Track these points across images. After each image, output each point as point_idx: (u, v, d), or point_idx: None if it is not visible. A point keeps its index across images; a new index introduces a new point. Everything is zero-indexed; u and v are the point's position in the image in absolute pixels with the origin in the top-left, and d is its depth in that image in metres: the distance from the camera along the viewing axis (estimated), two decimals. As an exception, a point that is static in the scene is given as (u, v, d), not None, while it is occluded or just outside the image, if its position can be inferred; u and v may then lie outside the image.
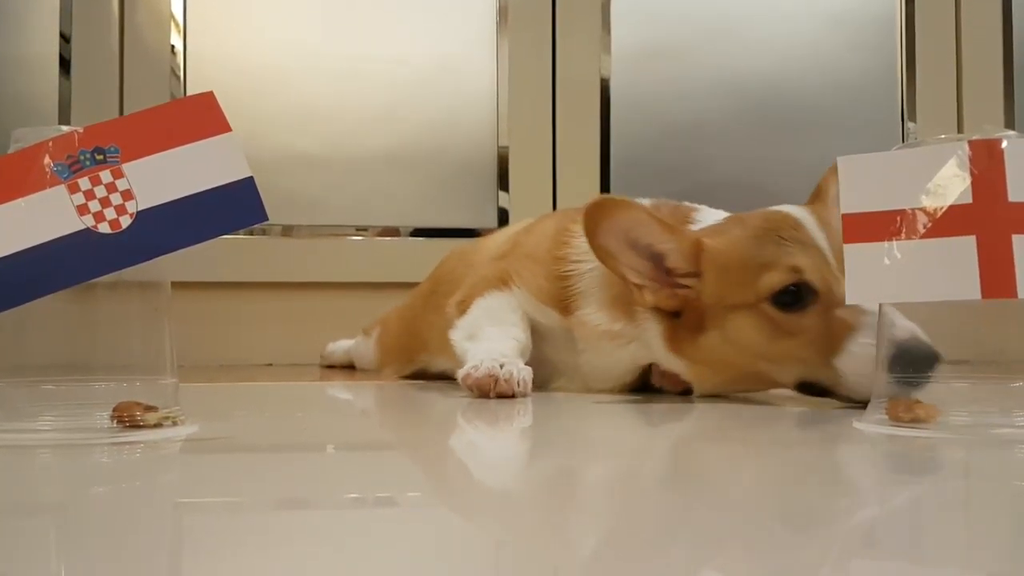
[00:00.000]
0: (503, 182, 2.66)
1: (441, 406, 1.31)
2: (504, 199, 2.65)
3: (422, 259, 2.06)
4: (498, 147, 2.66)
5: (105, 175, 0.85)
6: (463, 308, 1.53)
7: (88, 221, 0.84)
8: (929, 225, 0.88)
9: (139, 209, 0.85)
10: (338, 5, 2.66)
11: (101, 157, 0.85)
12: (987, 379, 0.91)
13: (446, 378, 1.58)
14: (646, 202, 1.48)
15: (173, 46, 2.57)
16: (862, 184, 0.93)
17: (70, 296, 0.85)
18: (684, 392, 1.35)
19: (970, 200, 0.88)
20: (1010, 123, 2.74)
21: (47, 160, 0.84)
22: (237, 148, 0.88)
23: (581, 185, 2.60)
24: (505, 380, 1.28)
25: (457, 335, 1.48)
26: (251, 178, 0.88)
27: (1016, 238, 0.86)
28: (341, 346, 2.36)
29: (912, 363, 0.98)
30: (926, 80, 2.77)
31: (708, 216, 1.40)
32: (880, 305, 1.06)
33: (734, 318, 1.23)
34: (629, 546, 0.51)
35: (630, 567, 0.46)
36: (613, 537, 0.53)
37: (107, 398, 0.85)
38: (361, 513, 0.61)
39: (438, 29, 2.68)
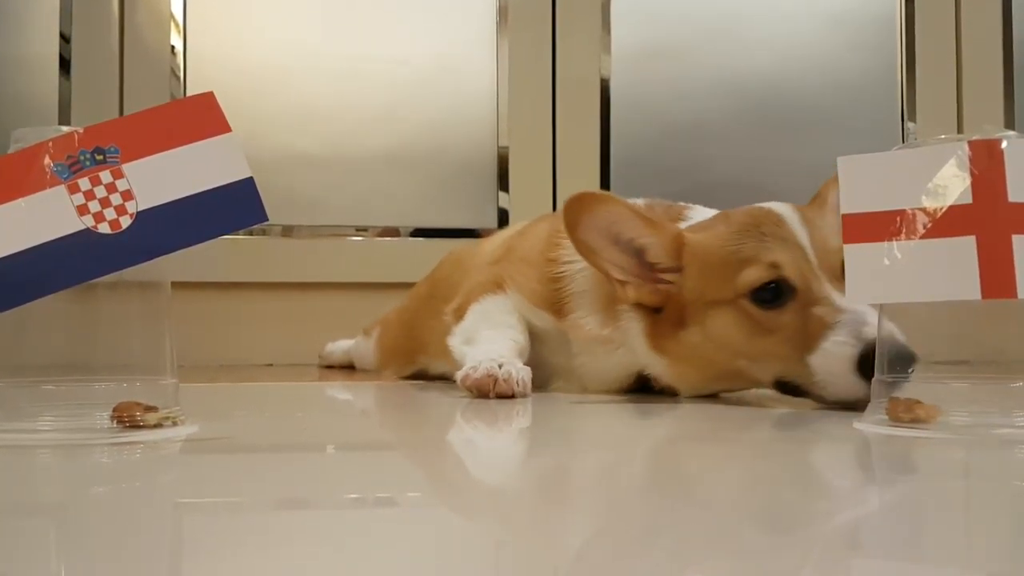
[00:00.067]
0: (503, 182, 2.66)
1: (441, 406, 1.31)
2: (504, 199, 2.65)
3: (422, 259, 2.06)
4: (498, 147, 2.66)
5: (105, 175, 0.85)
6: (460, 314, 1.53)
7: (88, 221, 0.84)
8: (929, 225, 0.88)
9: (139, 209, 0.85)
10: (338, 5, 2.66)
11: (101, 157, 0.85)
12: (987, 379, 0.91)
13: (446, 379, 1.58)
14: (640, 201, 1.48)
15: (173, 46, 2.57)
16: (862, 184, 0.93)
17: (70, 296, 0.85)
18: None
19: (970, 200, 0.88)
20: (1010, 123, 2.74)
21: (47, 160, 0.84)
22: (237, 148, 0.88)
23: (581, 185, 2.60)
24: (504, 380, 1.28)
25: (455, 340, 1.48)
26: (251, 178, 0.88)
27: (1016, 238, 0.86)
28: (340, 346, 2.36)
29: (888, 364, 0.98)
30: (926, 80, 2.77)
31: (701, 215, 1.40)
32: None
33: (714, 314, 1.23)
34: (631, 546, 0.51)
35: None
36: (613, 537, 0.53)
37: (107, 398, 0.85)
38: (361, 513, 0.61)
39: (438, 29, 2.68)
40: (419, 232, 2.64)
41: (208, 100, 0.89)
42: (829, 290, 1.17)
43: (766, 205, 1.29)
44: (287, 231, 2.60)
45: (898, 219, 0.90)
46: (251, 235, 2.58)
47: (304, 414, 1.25)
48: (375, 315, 2.16)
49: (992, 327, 0.96)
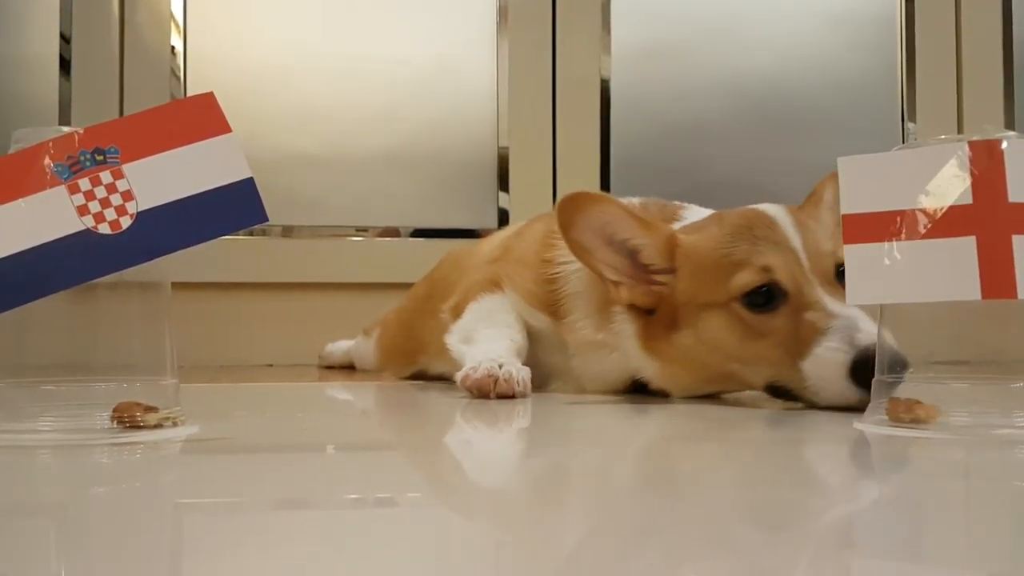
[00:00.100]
0: (503, 182, 2.66)
1: (441, 406, 1.31)
2: (504, 199, 2.65)
3: (422, 259, 2.06)
4: (498, 147, 2.66)
5: (105, 176, 0.85)
6: (457, 312, 1.52)
7: (88, 222, 0.84)
8: (929, 226, 0.89)
9: (139, 210, 0.85)
10: (338, 5, 2.66)
11: (101, 158, 0.85)
12: (987, 379, 0.91)
13: (445, 379, 1.58)
14: (635, 201, 1.48)
15: (173, 46, 2.57)
16: (862, 184, 0.93)
17: (70, 296, 0.85)
18: None
19: (970, 201, 0.88)
20: (1010, 123, 2.74)
21: (47, 161, 0.84)
22: (237, 149, 0.88)
23: (581, 185, 2.60)
24: (505, 380, 1.28)
25: (453, 339, 1.47)
26: (251, 179, 0.88)
27: (1016, 238, 0.86)
28: (340, 347, 2.36)
29: (874, 369, 0.98)
30: (926, 80, 2.77)
31: (695, 214, 1.40)
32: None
33: (706, 317, 1.23)
34: (633, 546, 0.51)
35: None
36: (614, 536, 0.53)
37: (107, 398, 0.85)
38: (361, 513, 0.61)
39: (438, 29, 2.68)
40: (419, 232, 2.64)
41: (208, 100, 0.89)
42: (821, 294, 1.16)
43: (759, 207, 1.29)
44: (287, 231, 2.60)
45: (898, 219, 0.90)
46: (251, 235, 2.58)
47: (304, 414, 1.25)
48: (375, 315, 2.16)
49: (992, 327, 0.96)
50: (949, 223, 0.88)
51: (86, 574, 0.46)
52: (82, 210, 0.84)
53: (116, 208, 0.85)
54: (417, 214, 2.65)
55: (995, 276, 0.85)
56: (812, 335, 1.14)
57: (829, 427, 1.02)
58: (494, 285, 1.50)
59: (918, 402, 0.90)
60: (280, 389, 1.70)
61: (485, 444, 1.01)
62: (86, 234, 0.84)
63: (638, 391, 1.36)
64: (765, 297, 1.19)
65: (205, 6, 2.60)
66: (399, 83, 2.65)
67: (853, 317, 1.13)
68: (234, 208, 0.87)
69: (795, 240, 1.21)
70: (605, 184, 2.65)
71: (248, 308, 2.58)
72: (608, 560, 0.47)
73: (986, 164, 0.88)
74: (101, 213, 0.84)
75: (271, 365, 2.50)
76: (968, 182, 0.88)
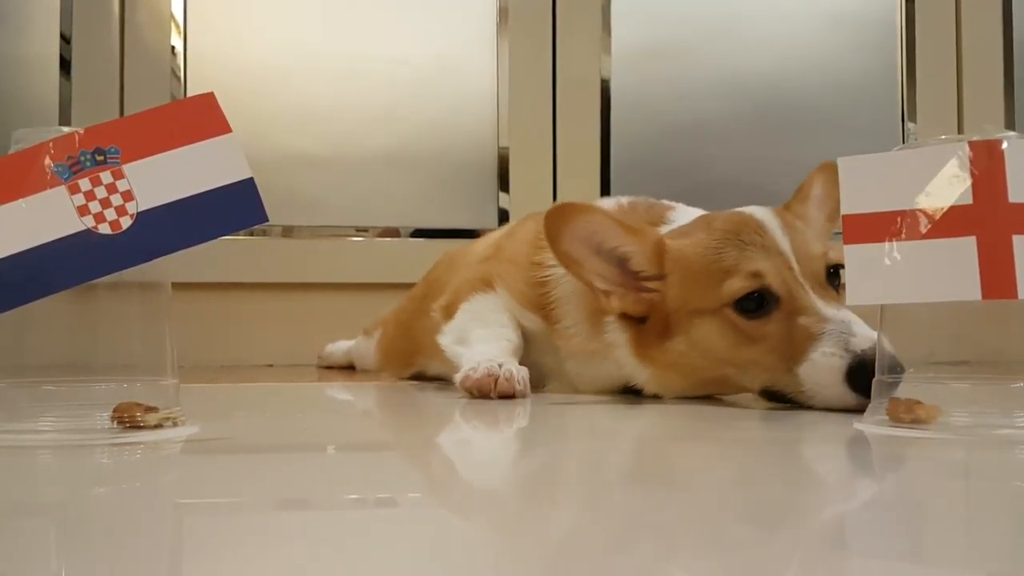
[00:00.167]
0: (503, 183, 2.66)
1: (440, 406, 1.31)
2: (504, 199, 2.65)
3: (422, 260, 2.06)
4: (498, 147, 2.66)
5: (105, 176, 0.85)
6: (449, 312, 1.52)
7: (88, 222, 0.84)
8: (929, 226, 0.89)
9: (139, 210, 0.85)
10: (338, 5, 2.66)
11: (101, 158, 0.85)
12: (987, 380, 0.91)
13: (445, 379, 1.58)
14: (624, 200, 1.48)
15: (173, 47, 2.57)
16: (862, 185, 0.93)
17: (70, 297, 0.85)
18: None
19: (970, 201, 0.88)
20: (1010, 123, 2.74)
21: (47, 161, 0.84)
22: (237, 149, 0.88)
23: (581, 185, 2.60)
24: (506, 379, 1.28)
25: (446, 340, 1.47)
26: (251, 179, 0.88)
27: (1016, 239, 0.86)
28: (340, 347, 2.36)
29: (870, 375, 0.98)
30: (926, 80, 2.77)
31: (684, 215, 1.39)
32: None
33: (699, 324, 1.23)
34: (635, 545, 0.51)
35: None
36: (616, 537, 0.53)
37: (108, 399, 0.85)
38: (361, 513, 0.61)
39: (438, 29, 2.68)
40: (419, 232, 2.64)
41: (208, 100, 0.89)
42: (813, 299, 1.16)
43: (746, 210, 1.28)
44: (287, 231, 2.60)
45: (898, 219, 0.90)
46: (251, 235, 2.58)
47: (304, 415, 1.25)
48: (375, 315, 2.16)
49: (992, 327, 0.96)
50: (949, 223, 0.88)
51: (86, 574, 0.46)
52: (82, 210, 0.84)
53: (116, 208, 0.85)
54: (417, 214, 2.65)
55: (995, 276, 0.85)
56: (806, 340, 1.14)
57: (829, 427, 1.02)
58: (486, 285, 1.50)
59: (918, 402, 0.90)
60: (280, 389, 1.70)
61: (485, 444, 1.01)
62: (86, 234, 0.84)
63: (631, 392, 1.36)
64: (757, 303, 1.18)
65: (205, 6, 2.60)
66: (399, 83, 2.65)
67: (847, 321, 1.13)
68: (234, 208, 0.87)
69: (784, 244, 1.21)
70: (605, 184, 2.65)
71: (248, 308, 2.58)
72: (610, 560, 0.47)
73: (986, 164, 0.88)
74: (101, 213, 0.84)
75: (271, 365, 2.50)
76: (968, 182, 0.88)
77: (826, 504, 0.65)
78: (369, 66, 2.64)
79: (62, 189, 0.84)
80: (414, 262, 2.18)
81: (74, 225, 0.83)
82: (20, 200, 0.83)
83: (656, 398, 1.32)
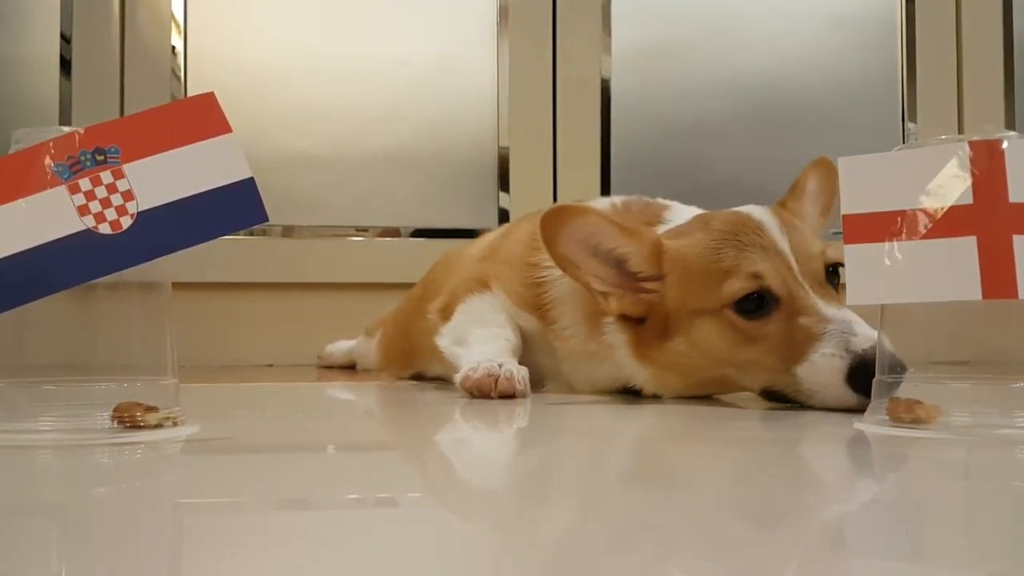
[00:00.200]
0: (503, 182, 2.66)
1: (441, 406, 1.31)
2: (504, 199, 2.65)
3: (422, 259, 2.06)
4: (498, 147, 2.66)
5: (106, 176, 0.85)
6: (446, 314, 1.52)
7: (89, 222, 0.84)
8: (930, 225, 0.89)
9: (140, 210, 0.85)
10: (338, 5, 2.66)
11: (102, 158, 0.85)
12: (988, 380, 0.91)
13: (445, 379, 1.58)
14: (617, 200, 1.48)
15: (174, 47, 2.57)
16: (863, 185, 0.93)
17: (71, 296, 0.85)
18: None
19: (971, 201, 0.88)
20: (1010, 123, 2.74)
21: (48, 161, 0.84)
22: (237, 149, 0.88)
23: (581, 185, 2.60)
24: (506, 379, 1.28)
25: (444, 341, 1.47)
26: (251, 179, 0.88)
27: (1017, 238, 0.86)
28: (341, 347, 2.36)
29: (871, 375, 0.98)
30: (926, 80, 2.77)
31: (679, 214, 1.39)
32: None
33: (699, 324, 1.22)
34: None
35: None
36: (619, 538, 0.53)
37: (108, 398, 0.85)
38: (361, 513, 0.61)
39: (438, 29, 2.68)
40: (419, 232, 2.64)
41: (209, 100, 0.89)
42: (814, 298, 1.16)
43: (744, 209, 1.28)
44: (287, 231, 2.60)
45: (899, 219, 0.90)
46: (251, 235, 2.58)
47: (304, 415, 1.25)
48: (375, 315, 2.16)
49: (993, 327, 0.96)
50: (950, 223, 0.88)
51: (86, 574, 0.46)
52: (82, 210, 0.84)
53: (116, 208, 0.85)
54: (417, 214, 2.65)
55: (996, 276, 0.85)
56: (807, 340, 1.13)
57: (829, 427, 1.02)
58: (482, 285, 1.50)
59: (919, 402, 0.90)
60: (280, 389, 1.70)
61: (485, 443, 1.01)
62: (87, 234, 0.84)
63: (628, 391, 1.35)
64: (757, 303, 1.18)
65: (205, 6, 2.60)
66: (399, 83, 2.65)
67: (847, 321, 1.13)
68: (234, 208, 0.87)
69: (783, 243, 1.20)
70: (606, 184, 2.65)
71: (248, 308, 2.58)
72: (611, 560, 0.47)
73: (987, 164, 0.88)
74: (102, 213, 0.84)
75: (271, 365, 2.50)
76: (969, 182, 0.88)
77: (826, 504, 0.65)
78: (369, 66, 2.64)
79: (62, 189, 0.84)
80: (414, 262, 2.18)
81: (74, 225, 0.83)
82: (20, 200, 0.83)
83: (655, 398, 1.32)
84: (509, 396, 1.28)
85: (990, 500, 0.66)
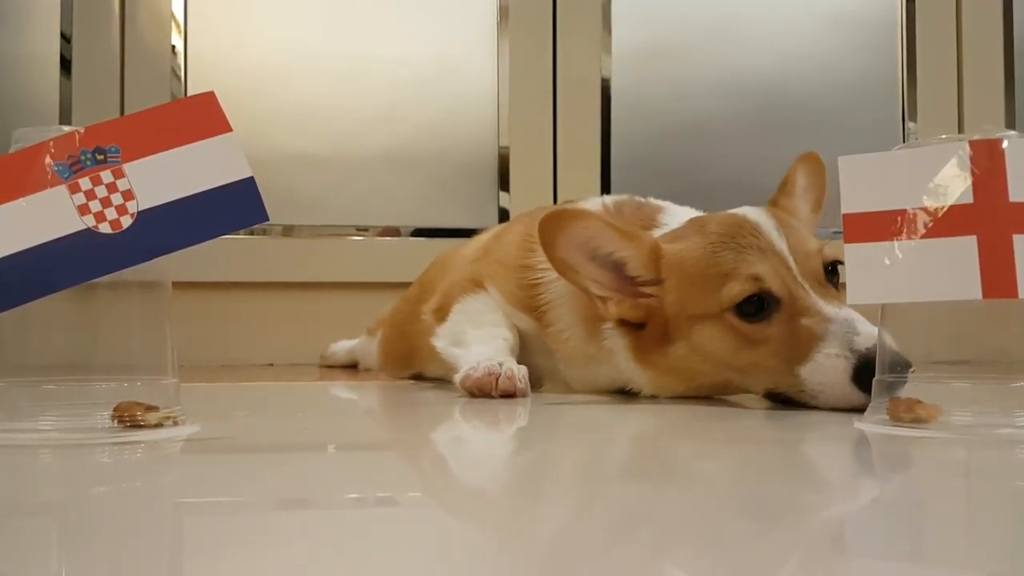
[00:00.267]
0: (504, 182, 2.66)
1: (441, 406, 1.31)
2: (504, 199, 2.65)
3: (423, 259, 2.06)
4: (499, 147, 2.66)
5: (106, 175, 0.85)
6: (442, 315, 1.51)
7: (89, 221, 0.84)
8: (930, 225, 0.88)
9: (140, 209, 0.85)
10: (338, 5, 2.66)
11: (102, 157, 0.85)
12: (988, 379, 0.91)
13: (444, 379, 1.58)
14: (609, 200, 1.47)
15: (174, 46, 2.57)
16: (863, 184, 0.93)
17: (71, 296, 0.85)
18: None
19: (971, 200, 0.88)
20: (1011, 123, 2.74)
21: (48, 160, 0.84)
22: (238, 148, 0.88)
23: (581, 185, 2.60)
24: (507, 378, 1.28)
25: (441, 342, 1.46)
26: (252, 178, 0.88)
27: (1017, 238, 0.86)
28: (343, 346, 2.36)
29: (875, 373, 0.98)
30: (927, 80, 2.77)
31: (674, 216, 1.38)
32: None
33: (700, 329, 1.22)
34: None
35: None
36: (618, 537, 0.53)
37: (108, 398, 0.85)
38: (361, 513, 0.61)
39: (438, 29, 2.68)
40: (420, 232, 2.64)
41: (209, 100, 0.89)
42: (814, 298, 1.15)
43: (740, 211, 1.27)
44: (288, 231, 2.60)
45: (899, 219, 0.90)
46: (252, 235, 2.58)
47: (305, 414, 1.25)
48: (375, 315, 2.16)
49: (993, 327, 0.96)
50: (950, 222, 0.88)
51: (86, 574, 0.46)
52: (83, 209, 0.84)
53: (117, 207, 0.85)
54: (417, 214, 2.65)
55: (996, 275, 0.85)
56: (810, 341, 1.13)
57: (829, 426, 1.02)
58: (476, 285, 1.49)
59: (919, 401, 0.90)
60: (281, 389, 1.70)
61: (485, 443, 1.01)
62: (87, 234, 0.84)
63: (625, 391, 1.35)
64: (757, 306, 1.17)
65: (205, 6, 2.60)
66: (399, 83, 2.65)
67: (850, 320, 1.12)
68: (235, 207, 0.87)
69: (780, 244, 1.20)
70: (606, 184, 2.65)
71: (249, 307, 2.58)
72: (611, 560, 0.47)
73: (987, 164, 0.88)
74: (102, 212, 0.84)
75: (272, 364, 2.50)
76: (969, 181, 0.88)
77: (826, 503, 0.65)
78: (369, 66, 2.64)
79: (62, 188, 0.84)
80: (414, 261, 2.18)
81: (74, 224, 0.83)
82: (20, 199, 0.83)
83: (653, 397, 1.31)
84: (510, 395, 1.28)
85: (990, 500, 0.66)
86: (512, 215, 2.58)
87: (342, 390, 1.71)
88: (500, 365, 1.30)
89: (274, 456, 0.86)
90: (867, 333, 1.10)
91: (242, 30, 2.62)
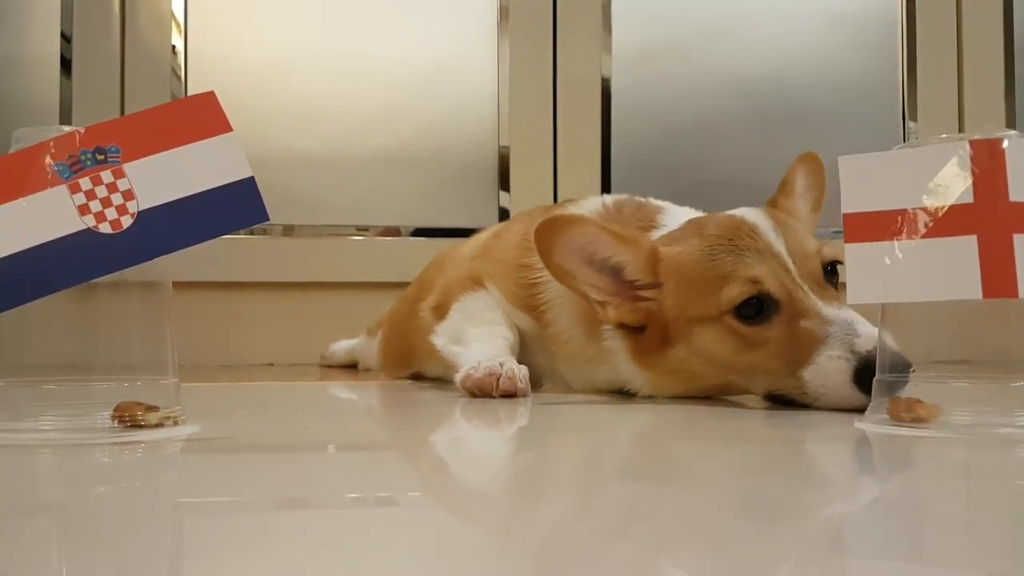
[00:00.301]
0: (504, 182, 2.66)
1: (441, 406, 1.31)
2: (505, 199, 2.65)
3: (423, 259, 2.06)
4: (499, 147, 2.66)
5: (106, 175, 0.85)
6: (441, 312, 1.51)
7: (89, 221, 0.84)
8: (930, 225, 0.88)
9: (140, 209, 0.85)
10: (338, 5, 2.66)
11: (102, 157, 0.85)
12: (988, 379, 0.91)
13: (443, 378, 1.58)
14: (609, 200, 1.47)
15: (174, 46, 2.57)
16: (863, 184, 0.93)
17: (71, 296, 0.85)
18: None
19: (971, 200, 0.88)
20: (1011, 122, 2.74)
21: (48, 160, 0.84)
22: (238, 148, 0.88)
23: (582, 185, 2.60)
24: (508, 378, 1.28)
25: (441, 340, 1.46)
26: (252, 178, 0.88)
27: (1017, 237, 0.85)
28: (343, 346, 2.36)
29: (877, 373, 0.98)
30: (927, 80, 2.77)
31: (674, 216, 1.38)
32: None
33: (700, 332, 1.21)
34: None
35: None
36: (619, 536, 0.53)
37: (108, 398, 0.85)
38: (361, 513, 0.61)
39: (438, 29, 2.68)
40: (420, 232, 2.64)
41: (209, 100, 0.89)
42: (814, 300, 1.15)
43: (738, 212, 1.27)
44: (288, 231, 2.60)
45: (899, 218, 0.90)
46: (252, 235, 2.58)
47: (305, 414, 1.25)
48: (375, 315, 2.16)
49: (993, 326, 0.96)
50: (950, 222, 0.88)
51: (86, 574, 0.46)
52: (83, 209, 0.84)
53: (117, 207, 0.85)
54: (418, 213, 2.65)
55: (996, 275, 0.85)
56: (811, 343, 1.13)
57: (829, 426, 1.02)
58: (475, 283, 1.49)
59: (919, 401, 0.90)
60: (281, 389, 1.70)
61: (486, 442, 1.01)
62: (87, 233, 0.84)
63: (624, 391, 1.35)
64: (756, 308, 1.17)
65: (206, 6, 2.60)
66: (399, 83, 2.65)
67: (850, 321, 1.12)
68: (235, 207, 0.87)
69: (779, 245, 1.19)
70: (606, 183, 2.65)
71: (249, 307, 2.58)
72: (612, 560, 0.47)
73: (987, 163, 0.88)
74: (102, 212, 0.84)
75: (272, 364, 2.50)
76: (969, 181, 0.88)
77: (826, 502, 0.65)
78: (369, 66, 2.64)
79: (63, 188, 0.84)
80: (414, 261, 2.17)
81: (75, 224, 0.83)
82: (21, 199, 0.83)
83: (652, 397, 1.31)
84: (510, 395, 1.28)
85: (991, 499, 0.66)
86: (512, 215, 2.58)
87: (342, 390, 1.71)
88: (501, 365, 1.29)
89: (274, 456, 0.86)
90: (867, 334, 1.10)
91: (242, 30, 2.62)
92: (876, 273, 0.90)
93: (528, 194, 2.61)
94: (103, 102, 2.51)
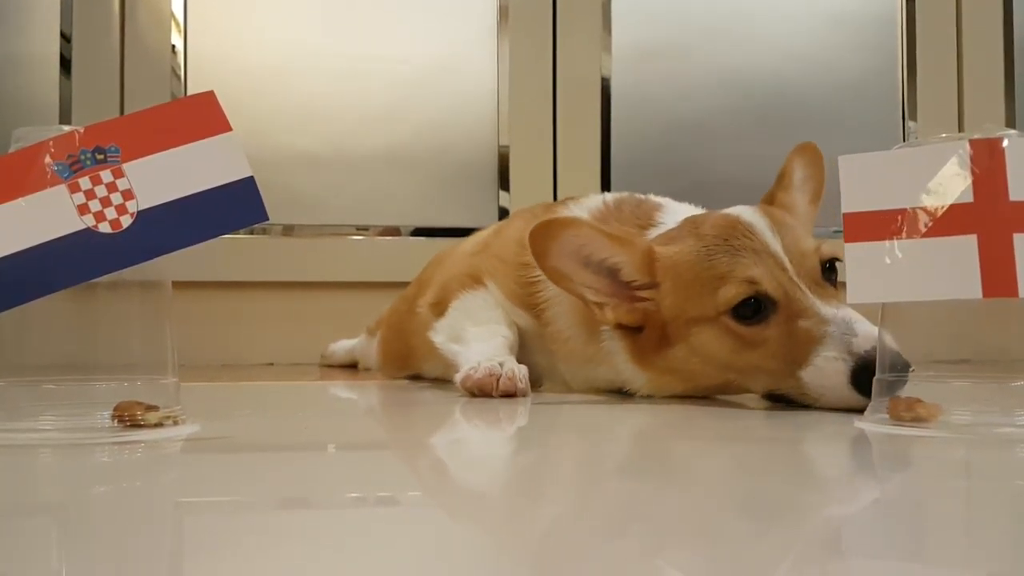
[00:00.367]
0: (504, 182, 2.66)
1: (441, 406, 1.31)
2: (505, 199, 2.65)
3: (423, 259, 2.06)
4: (499, 147, 2.66)
5: (106, 175, 0.85)
6: (440, 310, 1.50)
7: (89, 221, 0.84)
8: (930, 224, 0.88)
9: (140, 209, 0.85)
10: (338, 5, 2.66)
11: (102, 157, 0.85)
12: (988, 378, 0.91)
13: (442, 378, 1.58)
14: (609, 198, 1.46)
15: (174, 46, 2.57)
16: (863, 183, 0.93)
17: (71, 296, 0.85)
18: None
19: (971, 199, 0.88)
20: (1011, 122, 2.74)
21: (48, 160, 0.84)
22: (238, 147, 0.88)
23: (581, 185, 2.60)
24: (508, 378, 1.28)
25: (440, 337, 1.46)
26: (252, 177, 0.88)
27: (1017, 237, 0.86)
28: (343, 346, 2.36)
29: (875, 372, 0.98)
30: (927, 79, 2.77)
31: (672, 214, 1.37)
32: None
33: (698, 332, 1.21)
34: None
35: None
36: (619, 536, 0.53)
37: (108, 398, 0.85)
38: (361, 513, 0.61)
39: (438, 29, 2.68)
40: (420, 231, 2.64)
41: (209, 99, 0.89)
42: (811, 299, 1.14)
43: (734, 211, 1.26)
44: (288, 230, 2.60)
45: (899, 218, 0.90)
46: (252, 234, 2.58)
47: (305, 414, 1.25)
48: (375, 314, 2.16)
49: (993, 326, 0.96)
50: (950, 222, 0.88)
51: (86, 574, 0.46)
52: (82, 209, 0.84)
53: (116, 207, 0.85)
54: (418, 213, 2.65)
55: (996, 274, 0.85)
56: (808, 343, 1.12)
57: (829, 425, 1.02)
58: (475, 281, 1.48)
59: (919, 401, 0.90)
60: (281, 388, 1.70)
61: (485, 442, 1.01)
62: (87, 233, 0.84)
63: (622, 390, 1.35)
64: (754, 309, 1.16)
65: (205, 6, 2.60)
66: (399, 83, 2.65)
67: (848, 320, 1.11)
68: (235, 207, 0.87)
69: (775, 245, 1.19)
70: (606, 183, 2.65)
71: (249, 307, 2.58)
72: (613, 560, 0.47)
73: (987, 162, 0.88)
74: (102, 212, 0.84)
75: (272, 364, 2.50)
76: (969, 180, 0.88)
77: (825, 502, 0.65)
78: (369, 66, 2.64)
79: (62, 188, 0.84)
80: (414, 261, 2.17)
81: (74, 224, 0.83)
82: (20, 199, 0.83)
83: (651, 397, 1.31)
84: (510, 395, 1.28)
85: (991, 499, 0.66)
86: (512, 212, 2.58)
87: (342, 390, 1.70)
88: (501, 365, 1.29)
89: (274, 456, 0.86)
90: (865, 334, 1.09)
91: (242, 30, 2.62)
92: (876, 273, 0.90)
93: (528, 194, 2.61)
94: (103, 102, 2.50)
